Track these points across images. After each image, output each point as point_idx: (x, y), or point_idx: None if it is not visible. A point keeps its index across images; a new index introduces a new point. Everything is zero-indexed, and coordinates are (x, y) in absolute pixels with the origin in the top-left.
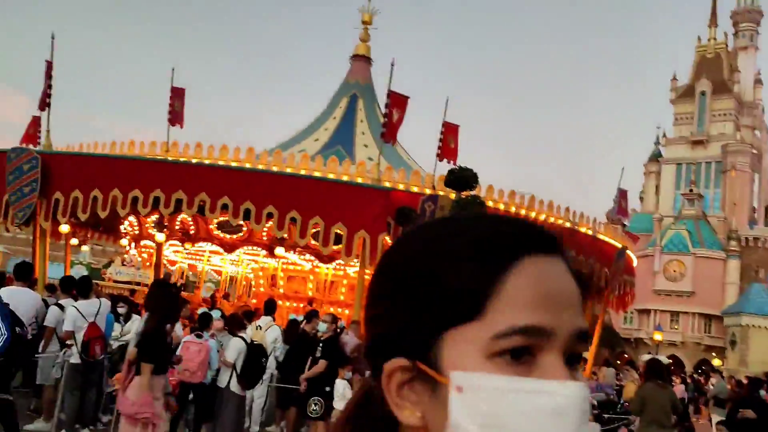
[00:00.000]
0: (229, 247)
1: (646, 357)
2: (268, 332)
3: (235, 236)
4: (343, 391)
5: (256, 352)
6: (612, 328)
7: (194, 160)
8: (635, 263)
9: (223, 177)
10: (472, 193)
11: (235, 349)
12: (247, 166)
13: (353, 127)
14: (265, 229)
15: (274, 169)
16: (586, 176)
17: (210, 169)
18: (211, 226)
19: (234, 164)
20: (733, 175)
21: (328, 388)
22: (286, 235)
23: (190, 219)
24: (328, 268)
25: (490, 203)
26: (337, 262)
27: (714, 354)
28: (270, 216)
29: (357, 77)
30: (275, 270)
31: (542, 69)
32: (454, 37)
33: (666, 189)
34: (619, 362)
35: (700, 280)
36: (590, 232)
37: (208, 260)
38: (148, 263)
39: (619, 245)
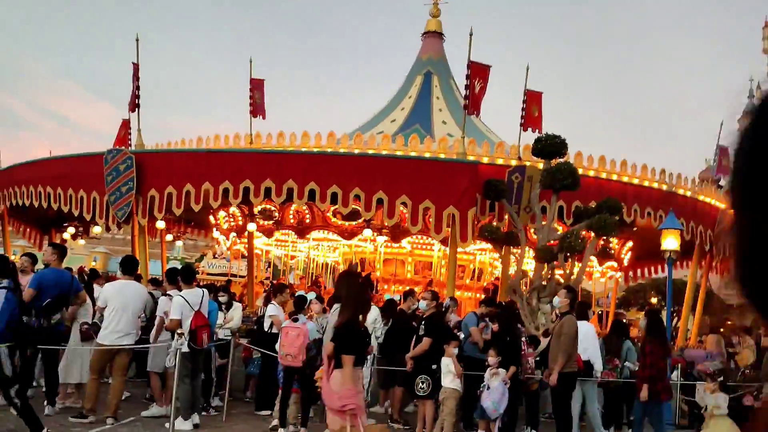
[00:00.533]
0: (349, 234)
1: None
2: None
3: (354, 222)
4: (448, 368)
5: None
6: (715, 294)
7: (279, 149)
8: None
9: (307, 163)
10: (561, 160)
11: None
12: (329, 150)
13: (430, 105)
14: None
15: (356, 151)
16: (675, 135)
17: (294, 156)
18: (328, 214)
19: (316, 150)
20: None
21: (434, 366)
22: (392, 217)
23: (305, 208)
24: (440, 250)
25: (579, 170)
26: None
27: None
28: (357, 198)
29: (430, 54)
30: (371, 254)
31: (624, 21)
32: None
33: None
34: (722, 330)
35: None
36: (689, 194)
37: (295, 248)
38: (227, 253)
39: (722, 206)
